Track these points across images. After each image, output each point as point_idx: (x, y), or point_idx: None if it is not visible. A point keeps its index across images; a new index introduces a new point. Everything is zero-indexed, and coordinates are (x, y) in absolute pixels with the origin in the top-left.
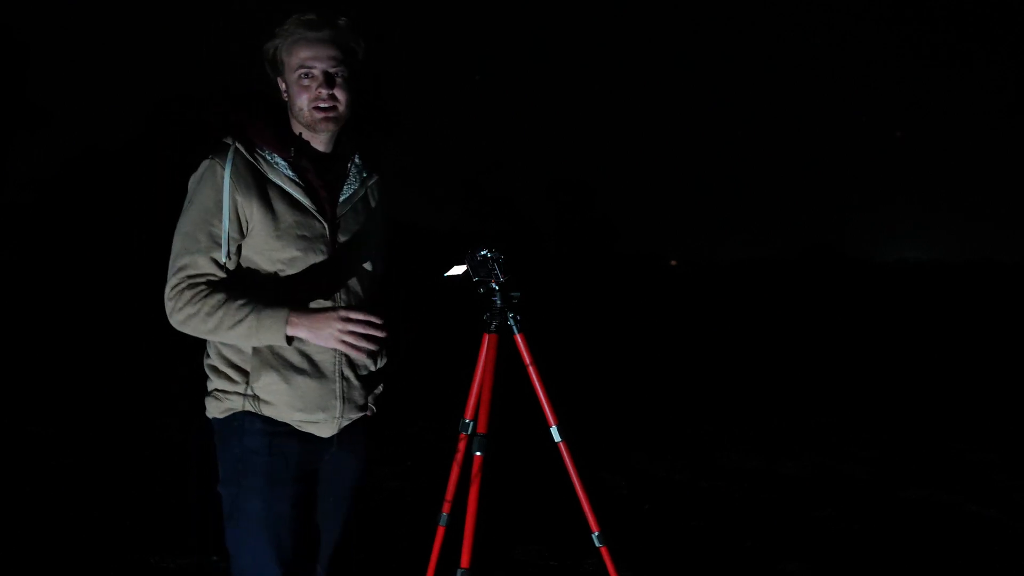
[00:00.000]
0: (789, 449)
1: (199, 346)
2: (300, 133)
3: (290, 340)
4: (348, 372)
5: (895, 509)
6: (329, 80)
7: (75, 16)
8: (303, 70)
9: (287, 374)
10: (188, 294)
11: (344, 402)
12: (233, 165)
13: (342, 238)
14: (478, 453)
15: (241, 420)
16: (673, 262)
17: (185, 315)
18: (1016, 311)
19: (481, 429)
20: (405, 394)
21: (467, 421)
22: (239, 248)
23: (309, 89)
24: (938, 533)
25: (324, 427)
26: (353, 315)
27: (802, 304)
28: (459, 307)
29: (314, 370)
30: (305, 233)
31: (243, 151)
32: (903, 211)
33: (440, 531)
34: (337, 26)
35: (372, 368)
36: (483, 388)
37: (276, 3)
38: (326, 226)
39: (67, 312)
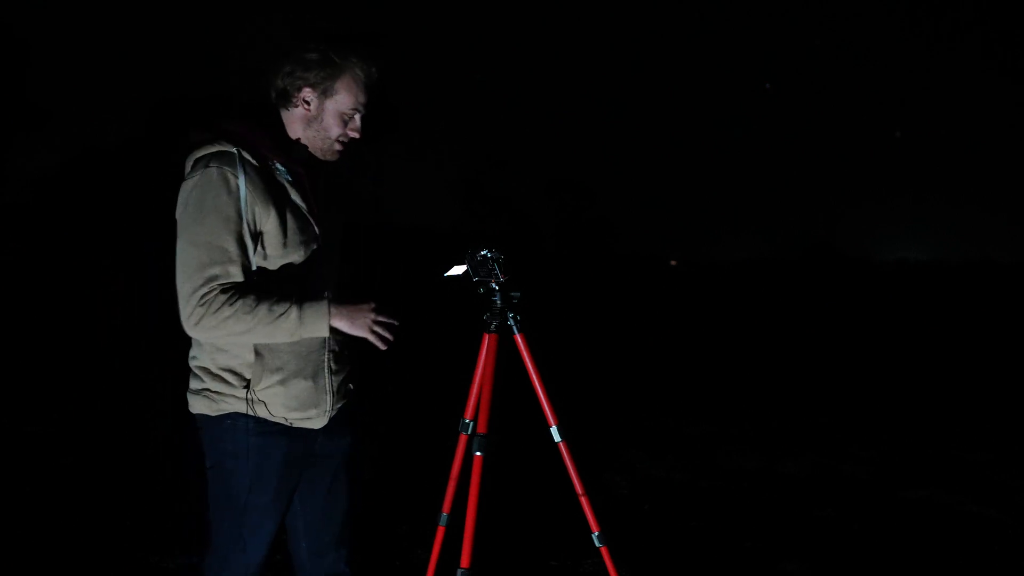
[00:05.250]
0: (789, 449)
1: (183, 345)
2: (298, 139)
3: (331, 330)
4: (335, 366)
5: (895, 509)
6: (364, 128)
7: (75, 16)
8: (354, 111)
9: (286, 377)
10: (222, 298)
11: (333, 396)
12: (246, 174)
13: (324, 239)
14: (478, 453)
15: (234, 419)
16: (673, 262)
17: (221, 318)
18: (1016, 311)
19: (481, 429)
20: (405, 394)
21: (467, 421)
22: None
23: (343, 125)
24: (938, 533)
25: (316, 421)
26: (381, 310)
27: (802, 304)
28: (459, 307)
29: (308, 371)
30: (305, 238)
31: (250, 159)
32: (903, 211)
33: (440, 531)
34: (376, 79)
35: (351, 359)
36: (483, 388)
37: (276, 5)
38: (316, 228)
39: (66, 312)
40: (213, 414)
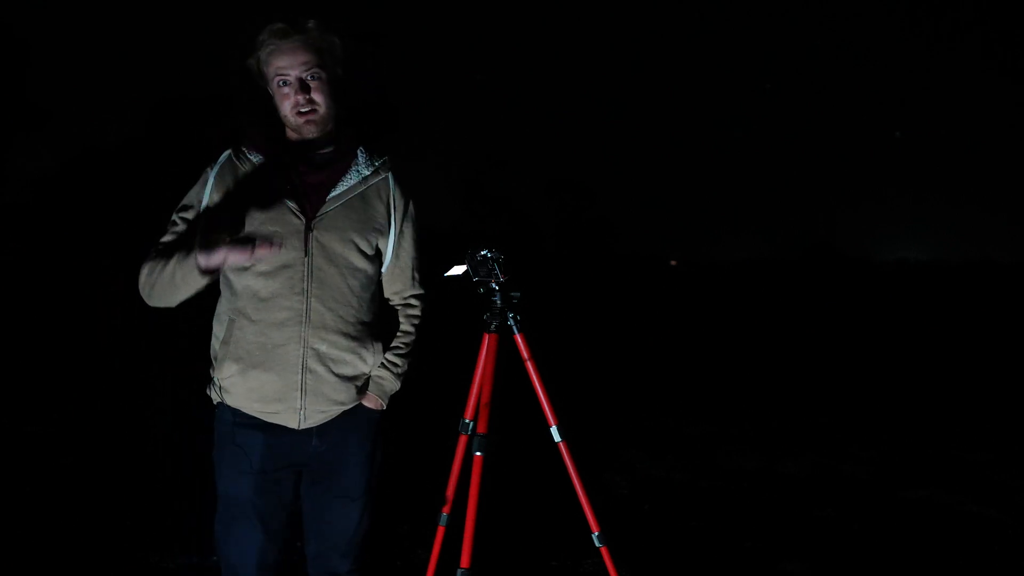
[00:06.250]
0: (789, 449)
1: (189, 345)
2: (287, 134)
3: (205, 271)
4: (316, 366)
5: (895, 509)
6: (303, 86)
7: (75, 16)
8: (279, 78)
9: (244, 367)
10: (151, 254)
11: (307, 395)
12: (220, 167)
13: (324, 233)
14: (478, 453)
15: (219, 408)
16: (673, 262)
17: (143, 275)
18: (1016, 311)
19: (481, 429)
20: (405, 394)
21: (467, 421)
22: None
23: (288, 96)
24: (938, 533)
25: (286, 417)
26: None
27: (802, 304)
28: (459, 307)
29: (274, 363)
30: (277, 228)
31: (232, 154)
32: (903, 211)
33: (440, 531)
34: (306, 30)
35: (353, 364)
36: (483, 388)
37: (276, 5)
38: (303, 222)
39: (66, 312)
40: (213, 400)
